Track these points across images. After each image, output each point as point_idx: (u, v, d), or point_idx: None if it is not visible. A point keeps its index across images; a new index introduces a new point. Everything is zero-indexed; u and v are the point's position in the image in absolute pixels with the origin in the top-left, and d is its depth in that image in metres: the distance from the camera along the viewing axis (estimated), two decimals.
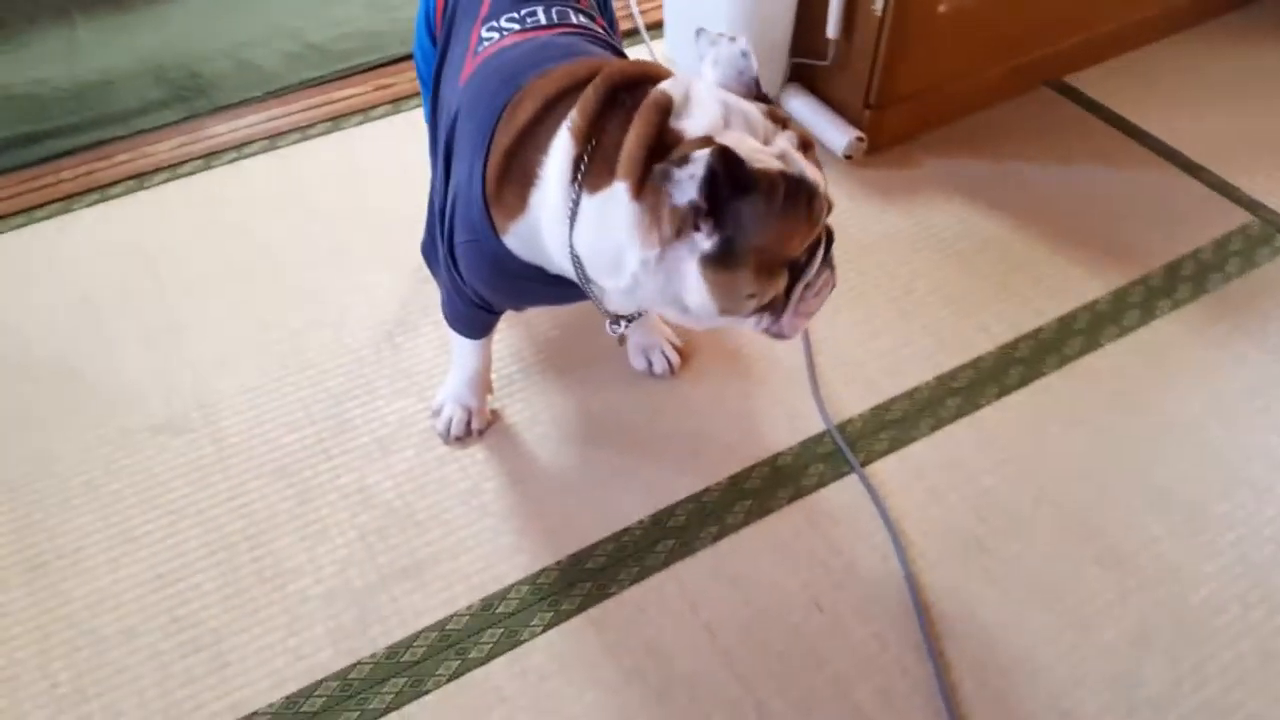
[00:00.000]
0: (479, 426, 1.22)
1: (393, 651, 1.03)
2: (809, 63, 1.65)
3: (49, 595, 1.08)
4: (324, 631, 1.05)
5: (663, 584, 1.09)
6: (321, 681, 1.01)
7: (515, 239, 0.93)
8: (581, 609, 1.07)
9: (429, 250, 1.12)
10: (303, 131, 1.67)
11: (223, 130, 1.66)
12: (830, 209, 0.89)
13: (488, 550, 1.12)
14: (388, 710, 0.99)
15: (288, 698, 1.00)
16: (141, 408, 1.26)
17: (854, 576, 1.10)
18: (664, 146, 0.84)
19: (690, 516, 1.15)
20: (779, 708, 0.99)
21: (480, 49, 1.02)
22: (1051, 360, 1.31)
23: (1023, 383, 1.29)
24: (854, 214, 1.52)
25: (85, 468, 1.19)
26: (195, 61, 1.78)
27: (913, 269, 1.44)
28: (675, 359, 1.30)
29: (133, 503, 1.16)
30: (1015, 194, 1.56)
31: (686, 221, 0.83)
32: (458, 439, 1.22)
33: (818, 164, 0.89)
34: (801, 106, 1.65)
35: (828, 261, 0.93)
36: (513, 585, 1.09)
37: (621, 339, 1.06)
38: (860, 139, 1.59)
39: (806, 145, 0.89)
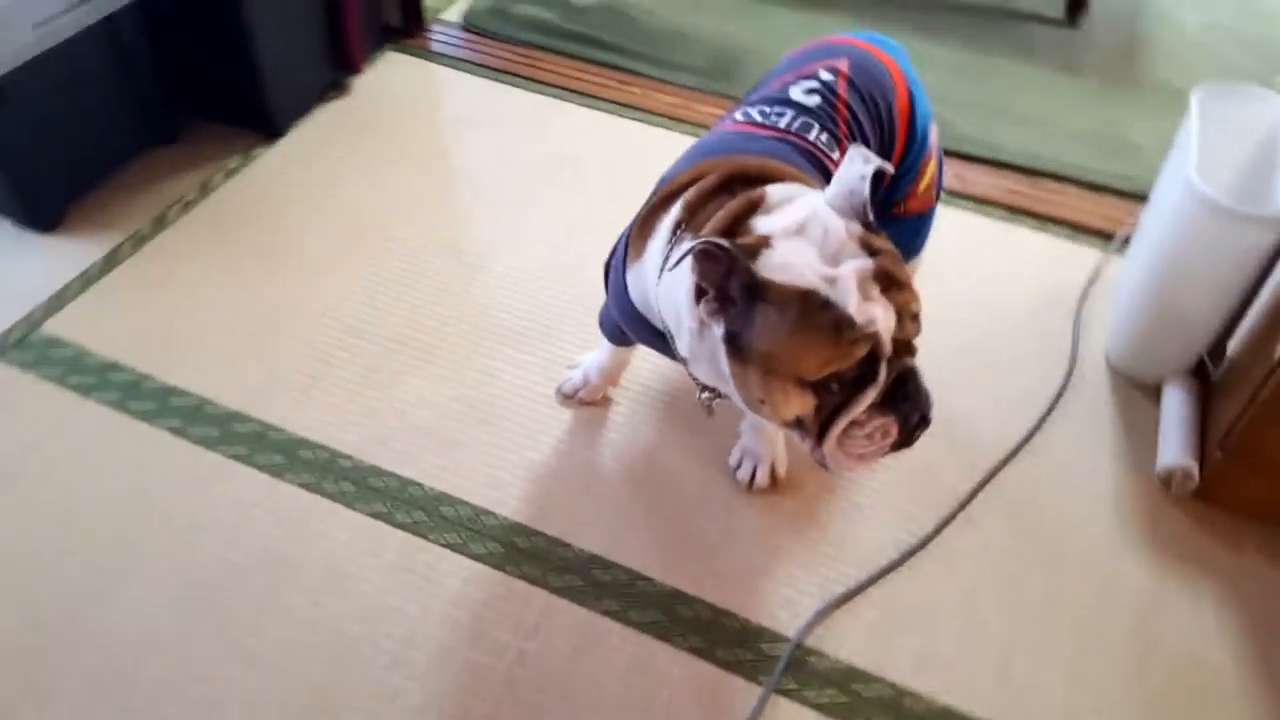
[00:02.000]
0: (584, 398, 1.39)
1: (333, 453, 1.31)
2: (1209, 365, 1.39)
3: (298, 284, 1.55)
4: (323, 408, 1.36)
5: (533, 597, 1.19)
6: (276, 428, 1.33)
7: (632, 277, 1.09)
8: (473, 556, 1.22)
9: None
10: None
11: (705, 109, 1.96)
12: (886, 350, 0.88)
13: (485, 471, 1.31)
14: (263, 471, 1.28)
15: (235, 411, 1.35)
16: (465, 235, 1.66)
17: None
18: (733, 234, 0.92)
19: (613, 584, 1.20)
20: None
21: (728, 121, 1.15)
22: None
23: None
24: (1096, 532, 1.30)
25: (408, 242, 1.64)
26: (748, 55, 2.09)
27: (1081, 619, 1.21)
28: (763, 481, 1.30)
29: (387, 273, 1.57)
30: None
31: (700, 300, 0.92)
32: (565, 396, 1.40)
33: (898, 303, 0.88)
34: (1174, 402, 1.40)
35: (895, 410, 0.91)
36: (465, 501, 1.27)
37: (709, 410, 1.14)
38: (1187, 475, 1.32)
39: (888, 280, 0.88)
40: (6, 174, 1.53)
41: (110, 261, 1.57)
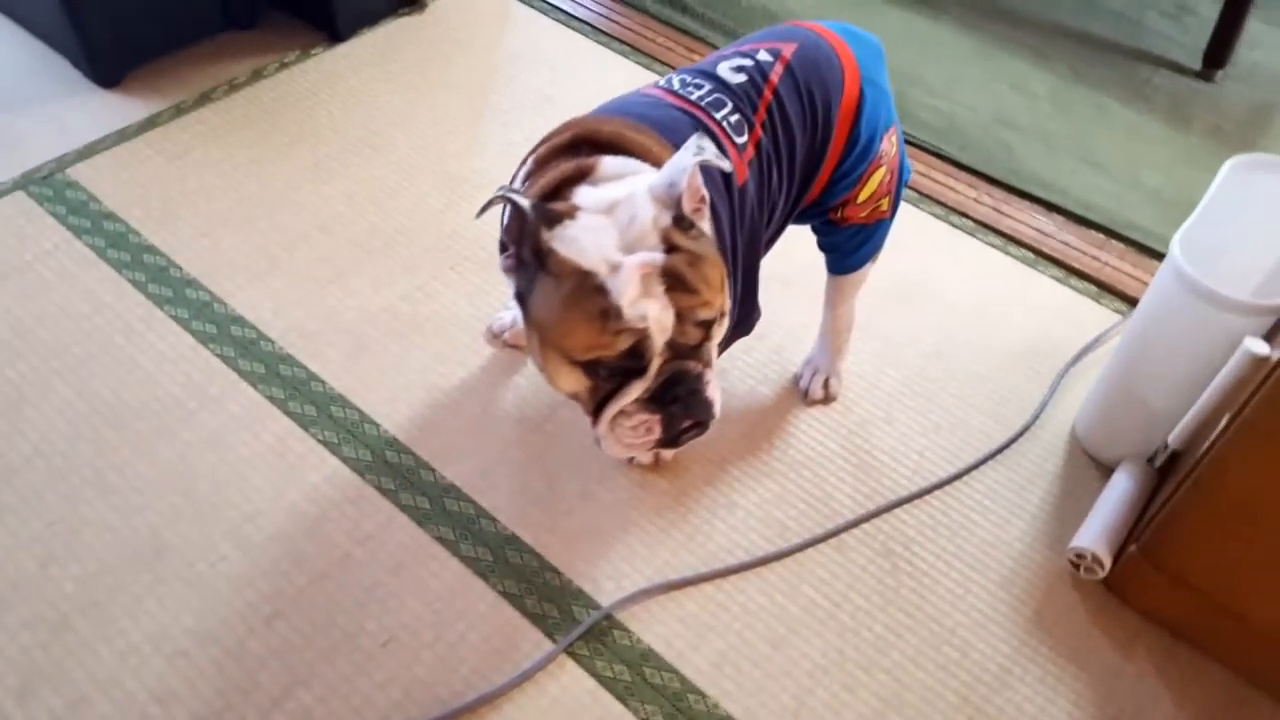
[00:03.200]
0: (509, 340, 1.43)
1: (259, 334, 1.40)
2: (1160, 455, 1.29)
3: (296, 176, 1.66)
4: (269, 293, 1.46)
5: (379, 509, 1.25)
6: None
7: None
8: (342, 458, 1.29)
9: None
10: None
11: None
12: (654, 348, 0.88)
13: (388, 383, 1.38)
14: (194, 336, 1.38)
15: (192, 279, 1.45)
16: (467, 164, 1.72)
17: (403, 654, 1.11)
18: (555, 197, 0.95)
19: (459, 515, 1.25)
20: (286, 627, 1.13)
21: (653, 85, 1.15)
22: None
23: None
24: (973, 593, 1.24)
25: (412, 159, 1.72)
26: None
27: (909, 671, 1.16)
28: (644, 456, 1.31)
29: (379, 182, 1.66)
30: None
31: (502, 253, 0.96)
32: (493, 335, 1.44)
33: (681, 305, 0.88)
34: (1118, 485, 1.30)
35: (663, 409, 0.92)
36: (356, 406, 1.35)
37: None
38: (1096, 561, 1.23)
39: (677, 281, 0.87)
40: (79, 29, 1.71)
41: (147, 125, 1.73)
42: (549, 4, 2.10)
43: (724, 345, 1.19)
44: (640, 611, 1.18)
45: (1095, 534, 1.25)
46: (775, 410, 1.40)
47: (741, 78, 1.12)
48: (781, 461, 1.35)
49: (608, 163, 0.95)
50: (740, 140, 1.09)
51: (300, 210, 1.61)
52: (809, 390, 1.41)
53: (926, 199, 1.75)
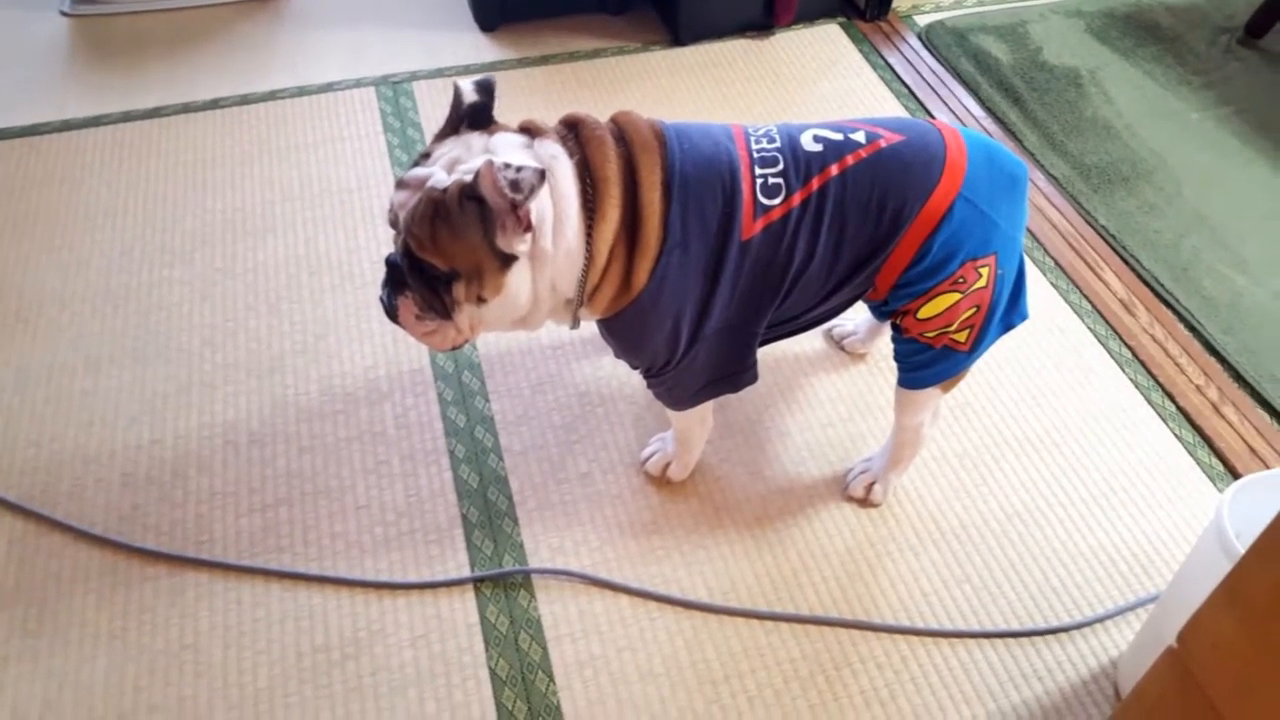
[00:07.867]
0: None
1: None
2: None
3: None
4: None
5: (427, 409, 1.47)
6: None
7: None
8: (434, 362, 1.53)
9: None
10: None
11: (1050, 210, 1.83)
12: (393, 217, 1.05)
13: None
14: None
15: None
16: None
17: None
18: (527, 130, 1.12)
19: (479, 441, 1.43)
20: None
21: (744, 125, 1.21)
22: None
23: None
24: None
25: None
26: (1162, 182, 1.85)
27: None
28: (651, 466, 1.39)
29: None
30: None
31: None
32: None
33: (405, 224, 1.03)
34: None
35: (387, 266, 1.09)
36: None
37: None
38: None
39: (422, 204, 1.01)
40: None
41: (489, 66, 2.10)
42: (884, 61, 2.14)
43: (703, 395, 1.23)
44: (554, 586, 1.28)
45: None
46: (806, 489, 1.39)
47: (816, 148, 1.14)
48: (776, 533, 1.34)
49: (543, 144, 1.08)
50: (768, 202, 1.12)
51: None
52: (850, 485, 1.38)
53: (1137, 364, 1.55)
